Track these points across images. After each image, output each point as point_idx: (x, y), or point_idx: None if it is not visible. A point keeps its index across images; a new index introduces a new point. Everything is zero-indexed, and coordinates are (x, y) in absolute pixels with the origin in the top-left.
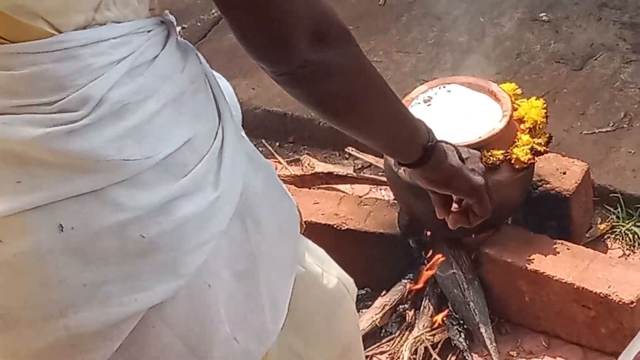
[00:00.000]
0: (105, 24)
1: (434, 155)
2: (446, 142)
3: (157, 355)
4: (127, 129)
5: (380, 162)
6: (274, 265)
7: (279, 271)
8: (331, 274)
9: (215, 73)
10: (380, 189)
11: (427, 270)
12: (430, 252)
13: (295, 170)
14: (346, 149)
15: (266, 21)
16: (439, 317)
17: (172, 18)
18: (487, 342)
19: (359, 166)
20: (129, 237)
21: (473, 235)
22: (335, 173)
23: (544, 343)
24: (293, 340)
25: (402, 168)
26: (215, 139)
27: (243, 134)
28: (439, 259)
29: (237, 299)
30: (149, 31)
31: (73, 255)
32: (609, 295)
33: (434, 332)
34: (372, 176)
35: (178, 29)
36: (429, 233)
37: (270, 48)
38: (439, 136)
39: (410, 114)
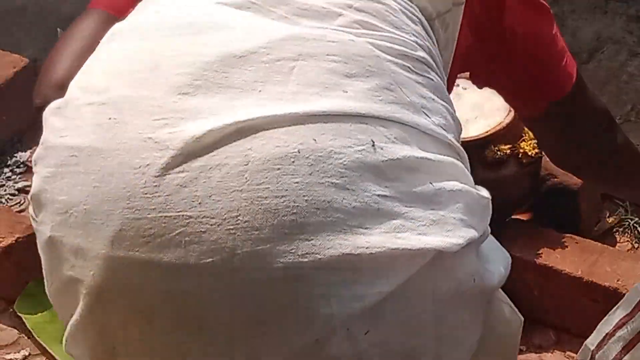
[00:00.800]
0: None
1: None
2: None
3: (408, 323)
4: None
5: None
6: None
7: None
8: (503, 301)
9: None
10: None
11: None
12: None
13: None
14: None
15: None
16: None
17: None
18: None
19: None
20: (419, 181)
21: None
22: None
23: (553, 337)
24: None
25: None
26: None
27: None
28: None
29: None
30: None
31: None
32: (618, 289)
33: None
34: None
35: None
36: None
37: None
38: None
39: None
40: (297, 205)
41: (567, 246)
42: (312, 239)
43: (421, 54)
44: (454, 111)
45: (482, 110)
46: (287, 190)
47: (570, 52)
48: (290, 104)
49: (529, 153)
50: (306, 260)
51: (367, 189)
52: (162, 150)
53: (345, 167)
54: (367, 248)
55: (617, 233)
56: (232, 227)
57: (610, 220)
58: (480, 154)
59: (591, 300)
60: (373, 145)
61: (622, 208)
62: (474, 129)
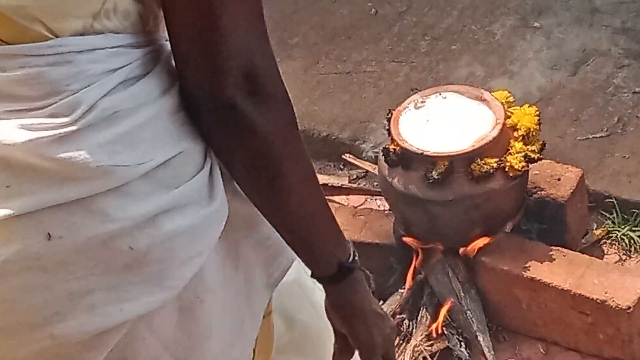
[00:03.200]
0: (103, 33)
1: (349, 279)
2: (369, 281)
3: None
4: (118, 135)
5: (376, 169)
6: (253, 275)
7: (257, 280)
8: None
9: None
10: (376, 199)
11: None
12: (420, 257)
13: None
14: (343, 156)
15: (204, 47)
16: (435, 326)
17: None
18: (485, 350)
19: (354, 177)
20: (117, 248)
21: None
22: (329, 184)
23: (542, 350)
24: None
25: (396, 177)
26: (206, 158)
27: None
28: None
29: (232, 314)
30: (146, 46)
31: (59, 263)
32: (606, 301)
33: (431, 341)
34: (366, 187)
35: None
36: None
37: (204, 75)
38: (432, 145)
39: (336, 222)
40: None
41: (554, 259)
42: (8, 341)
43: None
44: None
45: (468, 124)
46: None
47: (557, 64)
48: None
49: (516, 167)
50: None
51: (55, 280)
52: None
53: (26, 271)
54: (65, 336)
55: (605, 245)
56: None
57: (598, 232)
58: (466, 168)
59: (579, 312)
60: (50, 239)
61: (610, 220)
62: (460, 143)
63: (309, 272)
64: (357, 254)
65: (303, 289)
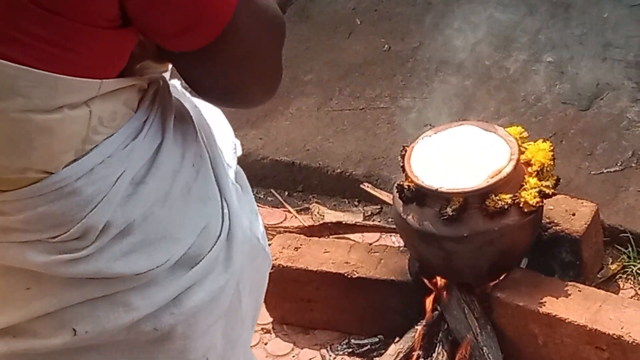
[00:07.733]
0: (97, 146)
1: None
2: None
3: None
4: (135, 244)
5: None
6: (249, 323)
7: (250, 329)
8: None
9: (203, 106)
10: (390, 236)
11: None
12: (435, 293)
13: (304, 219)
14: (361, 186)
15: None
16: None
17: (167, 75)
18: None
19: (369, 213)
20: (142, 332)
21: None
22: (344, 222)
23: None
24: None
25: (411, 214)
26: (222, 217)
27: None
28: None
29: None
30: (144, 122)
31: (84, 348)
32: (622, 337)
33: None
34: (381, 224)
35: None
36: (440, 279)
37: None
38: (447, 182)
39: None
40: None
41: (570, 294)
42: None
43: None
44: None
45: (482, 160)
46: None
47: (570, 99)
48: None
49: (530, 202)
50: None
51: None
52: None
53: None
54: None
55: (621, 280)
56: None
57: (614, 267)
58: (481, 204)
59: (596, 348)
60: (75, 334)
61: (625, 254)
62: (474, 180)
63: None
64: None
65: None
